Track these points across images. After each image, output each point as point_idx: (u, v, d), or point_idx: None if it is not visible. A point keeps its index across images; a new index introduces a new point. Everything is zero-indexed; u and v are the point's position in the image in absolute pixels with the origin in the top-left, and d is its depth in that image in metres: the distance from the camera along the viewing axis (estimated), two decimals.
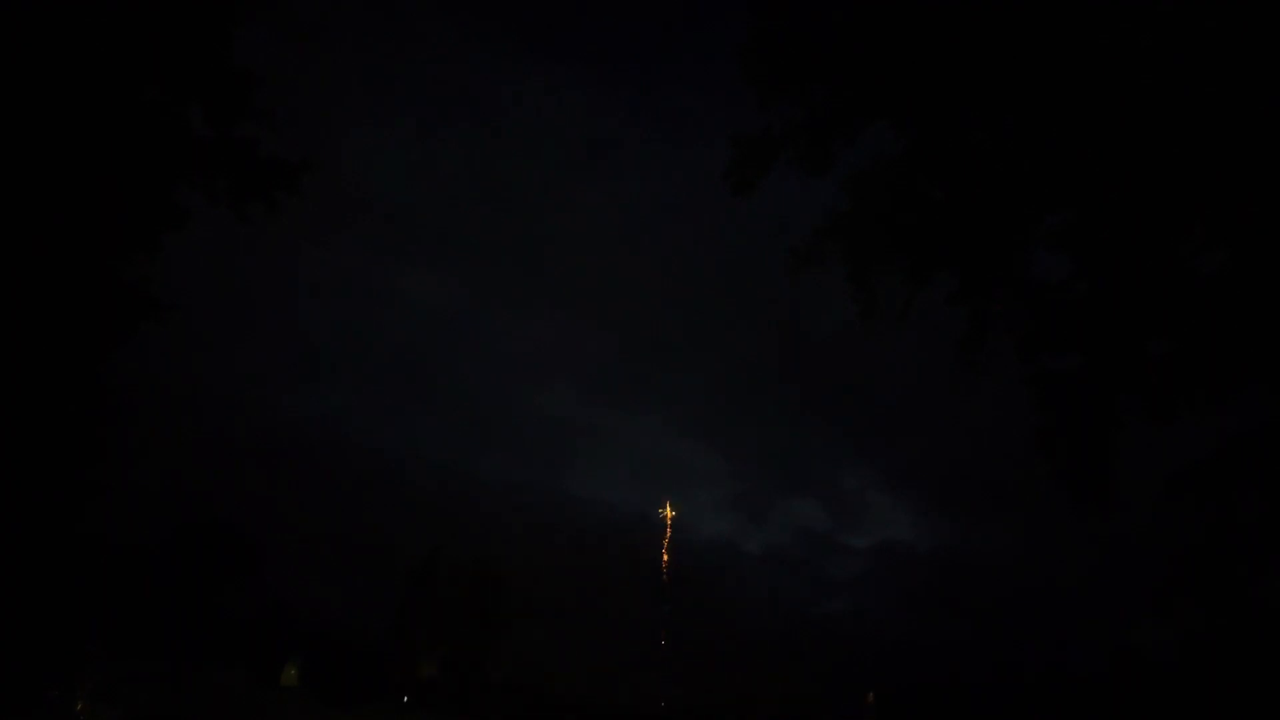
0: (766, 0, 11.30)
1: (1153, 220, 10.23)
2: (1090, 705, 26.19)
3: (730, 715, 33.82)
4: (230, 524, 30.40)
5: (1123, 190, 10.24)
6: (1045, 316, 11.18)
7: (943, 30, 10.25)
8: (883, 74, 10.85)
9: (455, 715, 28.35)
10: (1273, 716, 18.47)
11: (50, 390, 12.02)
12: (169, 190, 12.07)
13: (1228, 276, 10.08)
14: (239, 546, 30.10)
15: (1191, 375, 10.47)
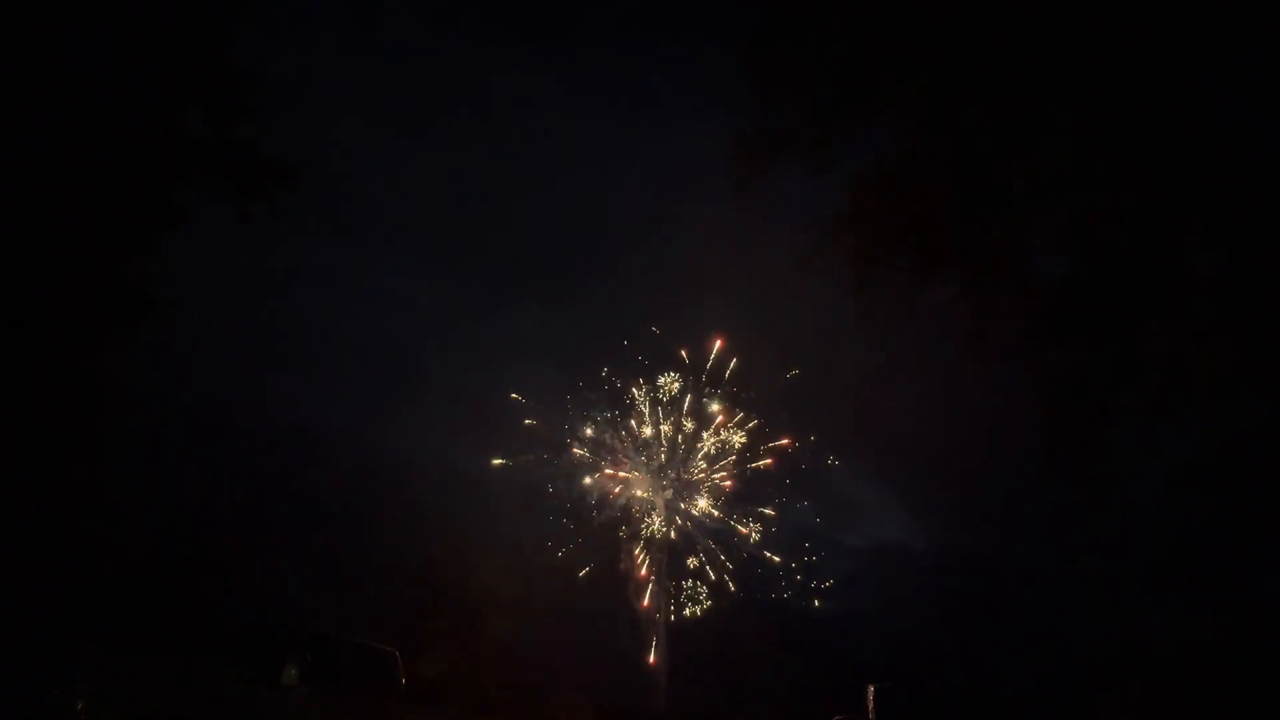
0: None
1: (1153, 220, 10.23)
2: (1090, 704, 26.22)
3: (729, 715, 33.91)
4: (230, 523, 30.42)
5: (1122, 190, 10.24)
6: (1046, 315, 11.19)
7: (944, 28, 10.25)
8: (884, 71, 10.84)
9: (456, 713, 28.45)
10: (1272, 715, 18.49)
11: (49, 389, 12.02)
12: (169, 190, 12.07)
13: (1227, 276, 10.09)
14: (239, 545, 30.14)
15: (1191, 375, 10.48)
